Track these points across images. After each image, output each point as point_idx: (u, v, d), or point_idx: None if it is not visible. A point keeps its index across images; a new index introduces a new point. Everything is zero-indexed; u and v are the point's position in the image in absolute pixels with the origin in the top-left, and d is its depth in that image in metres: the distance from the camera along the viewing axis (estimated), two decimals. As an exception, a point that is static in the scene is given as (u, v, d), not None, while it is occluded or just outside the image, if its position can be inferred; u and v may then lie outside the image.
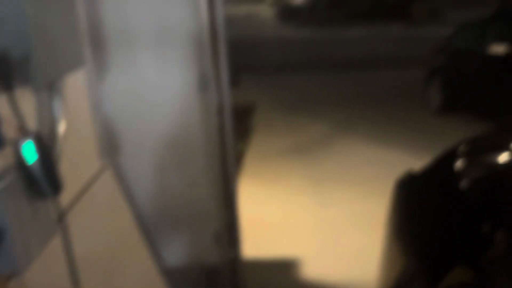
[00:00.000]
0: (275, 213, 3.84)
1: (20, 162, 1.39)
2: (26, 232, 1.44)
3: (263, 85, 9.50)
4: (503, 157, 1.93)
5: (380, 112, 7.16)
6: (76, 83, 1.99)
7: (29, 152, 1.41)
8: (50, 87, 1.63)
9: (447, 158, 2.02)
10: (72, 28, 1.73)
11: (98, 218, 2.05)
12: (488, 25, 6.47)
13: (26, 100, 1.53)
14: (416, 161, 4.77)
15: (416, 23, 20.42)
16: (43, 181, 1.45)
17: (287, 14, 24.27)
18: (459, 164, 1.90)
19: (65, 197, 1.74)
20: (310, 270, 3.24)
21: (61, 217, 1.56)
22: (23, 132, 1.40)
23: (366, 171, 4.65)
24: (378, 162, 4.92)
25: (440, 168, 2.02)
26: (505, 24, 6.23)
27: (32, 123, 1.58)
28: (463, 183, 1.76)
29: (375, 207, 3.73)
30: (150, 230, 2.50)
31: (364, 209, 3.81)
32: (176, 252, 2.56)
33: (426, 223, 1.81)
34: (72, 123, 1.85)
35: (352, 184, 4.33)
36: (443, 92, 6.90)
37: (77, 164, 1.97)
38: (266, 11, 27.46)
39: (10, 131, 1.37)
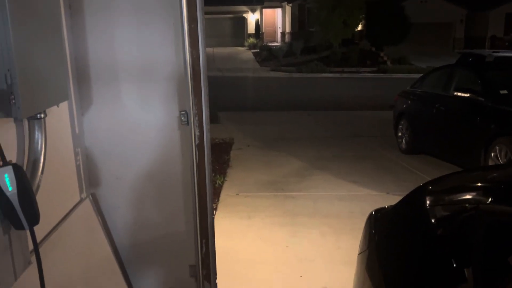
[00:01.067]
0: (250, 247, 3.84)
1: (-4, 192, 1.39)
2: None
3: (241, 122, 9.65)
4: (468, 196, 2.03)
5: (351, 150, 7.37)
6: (59, 116, 2.02)
7: (7, 183, 1.41)
8: (33, 120, 1.66)
9: (417, 196, 2.10)
10: (58, 63, 1.78)
11: (75, 248, 2.04)
12: (453, 71, 6.82)
13: (7, 131, 1.56)
14: (385, 198, 4.93)
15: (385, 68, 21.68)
16: (19, 212, 1.45)
17: (265, 56, 25.56)
18: (428, 201, 1.99)
19: (43, 227, 1.74)
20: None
21: (37, 248, 1.55)
22: (2, 163, 1.41)
23: (337, 207, 4.75)
24: (349, 198, 5.04)
25: (411, 204, 2.10)
26: (467, 70, 6.60)
27: (12, 154, 1.60)
28: (432, 220, 1.83)
29: (347, 242, 3.81)
30: (127, 262, 2.48)
31: (336, 244, 3.87)
32: (152, 285, 2.53)
33: (397, 258, 1.87)
34: (53, 155, 1.87)
35: (325, 219, 4.40)
36: (409, 134, 7.17)
37: (57, 195, 1.98)
38: (245, 53, 28.55)
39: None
